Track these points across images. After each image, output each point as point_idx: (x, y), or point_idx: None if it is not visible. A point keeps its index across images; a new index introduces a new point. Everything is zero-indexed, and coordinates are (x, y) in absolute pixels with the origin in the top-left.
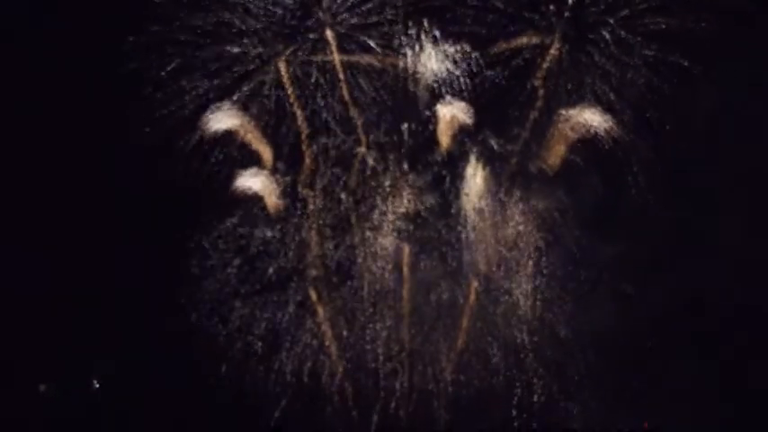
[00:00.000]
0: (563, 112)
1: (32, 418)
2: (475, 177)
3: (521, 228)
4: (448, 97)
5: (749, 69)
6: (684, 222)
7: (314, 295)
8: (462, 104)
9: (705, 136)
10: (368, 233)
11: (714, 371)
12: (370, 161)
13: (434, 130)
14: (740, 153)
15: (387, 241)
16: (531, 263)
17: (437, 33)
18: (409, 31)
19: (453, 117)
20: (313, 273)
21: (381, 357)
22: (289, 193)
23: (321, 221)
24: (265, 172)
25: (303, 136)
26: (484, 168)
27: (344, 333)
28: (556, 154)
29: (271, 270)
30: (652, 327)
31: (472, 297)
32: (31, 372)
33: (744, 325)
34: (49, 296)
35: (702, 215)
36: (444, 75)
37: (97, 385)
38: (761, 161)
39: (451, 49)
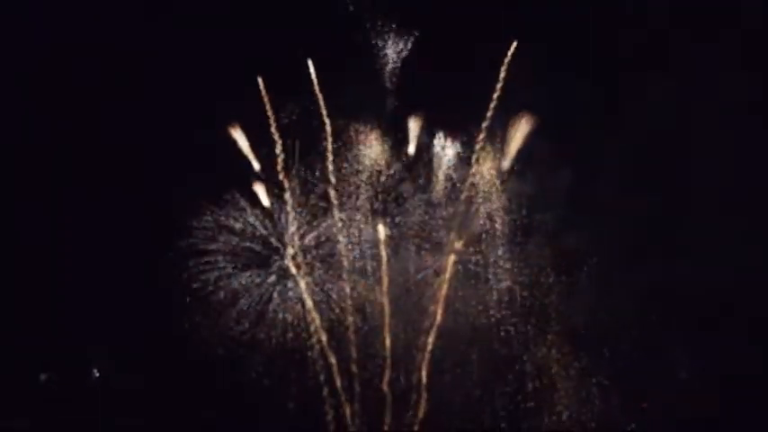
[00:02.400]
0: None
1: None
2: (443, 159)
3: (494, 211)
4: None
5: (715, 65)
6: (656, 214)
7: (293, 270)
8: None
9: (674, 130)
10: (346, 214)
11: (694, 354)
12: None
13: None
14: (710, 148)
15: (363, 221)
16: (505, 244)
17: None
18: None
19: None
20: (291, 250)
21: (360, 326)
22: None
23: (297, 204)
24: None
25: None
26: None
27: (323, 305)
28: (514, 143)
29: (257, 248)
30: (629, 311)
31: (449, 270)
32: (32, 361)
33: (721, 312)
34: (48, 282)
35: (674, 207)
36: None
37: (97, 374)
38: (732, 155)
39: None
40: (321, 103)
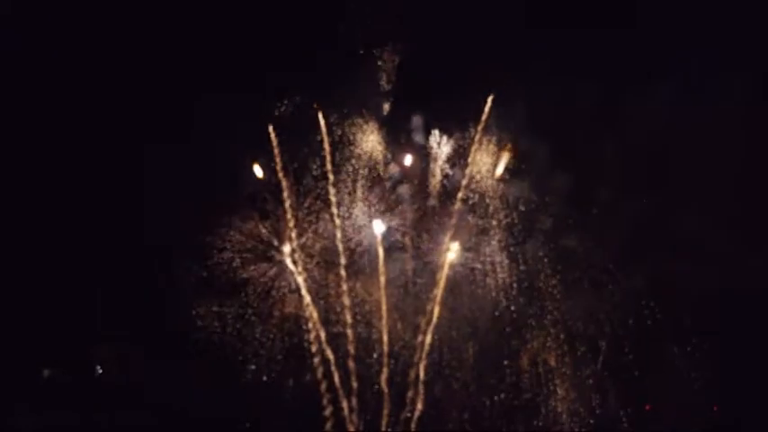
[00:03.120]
0: None
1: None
2: (440, 158)
3: (491, 208)
4: None
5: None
6: (652, 214)
7: (291, 267)
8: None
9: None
10: (343, 211)
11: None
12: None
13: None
14: (703, 148)
15: (360, 220)
16: (503, 241)
17: None
18: None
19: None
20: (287, 247)
21: (358, 320)
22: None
23: (295, 202)
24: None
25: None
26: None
27: (321, 301)
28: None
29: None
30: (625, 314)
31: (446, 267)
32: (35, 358)
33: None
34: (53, 284)
35: (669, 208)
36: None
37: (100, 371)
38: (724, 155)
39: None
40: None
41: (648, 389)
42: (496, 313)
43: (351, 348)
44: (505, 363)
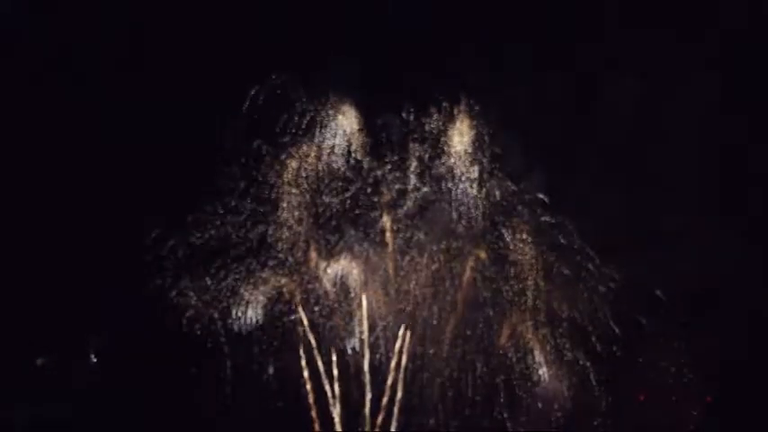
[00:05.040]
0: None
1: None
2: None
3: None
4: None
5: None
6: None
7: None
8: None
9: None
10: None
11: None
12: None
13: None
14: (684, 142)
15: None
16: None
17: None
18: None
19: None
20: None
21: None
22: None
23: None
24: None
25: None
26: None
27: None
28: None
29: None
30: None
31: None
32: (30, 346)
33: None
34: (47, 275)
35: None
36: None
37: (95, 359)
38: (705, 150)
39: None
40: None
41: (632, 375)
42: (477, 295)
43: (332, 333)
44: (486, 342)
